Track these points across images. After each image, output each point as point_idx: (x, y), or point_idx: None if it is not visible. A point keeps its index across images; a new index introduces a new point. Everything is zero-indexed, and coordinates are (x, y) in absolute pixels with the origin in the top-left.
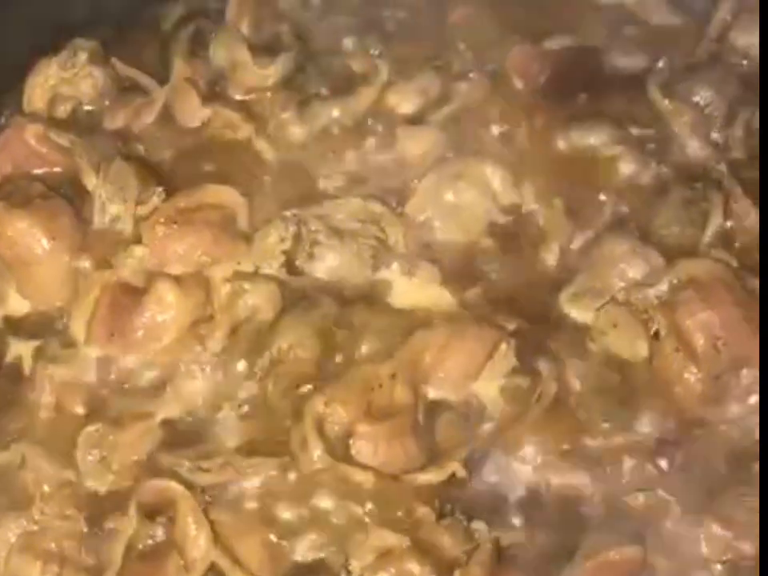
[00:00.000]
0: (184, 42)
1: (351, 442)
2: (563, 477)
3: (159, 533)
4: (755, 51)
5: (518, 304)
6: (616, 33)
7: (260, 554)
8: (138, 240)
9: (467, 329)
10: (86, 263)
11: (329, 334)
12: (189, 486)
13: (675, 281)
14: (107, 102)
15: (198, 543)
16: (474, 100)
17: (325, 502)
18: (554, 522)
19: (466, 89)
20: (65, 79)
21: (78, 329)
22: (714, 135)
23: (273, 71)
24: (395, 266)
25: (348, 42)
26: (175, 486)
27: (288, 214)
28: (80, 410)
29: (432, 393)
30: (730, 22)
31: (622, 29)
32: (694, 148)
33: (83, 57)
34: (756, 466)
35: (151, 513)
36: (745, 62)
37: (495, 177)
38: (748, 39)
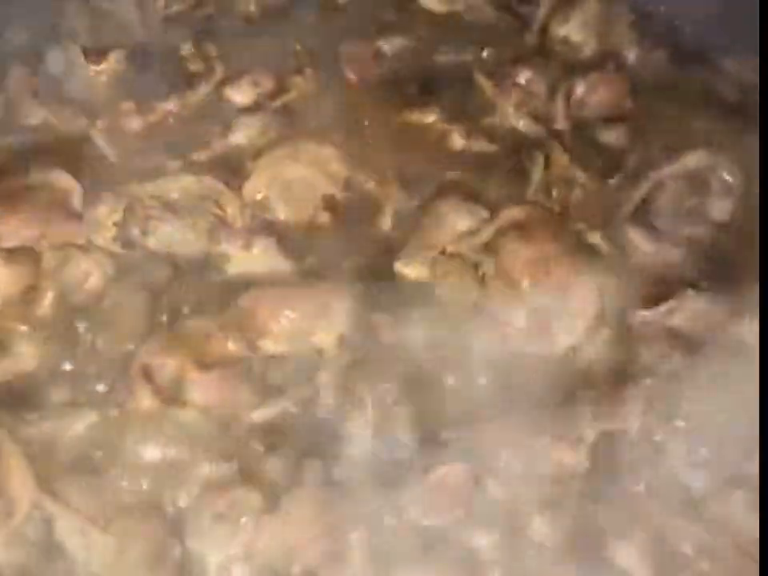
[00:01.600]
0: (21, 51)
1: (182, 387)
2: (392, 414)
3: None
4: (573, 38)
5: (357, 268)
6: (447, 34)
7: (86, 496)
8: None
9: (300, 289)
10: None
11: (159, 293)
12: (13, 437)
13: (499, 227)
14: None
15: (18, 485)
16: (308, 91)
17: (152, 443)
18: (387, 455)
19: (300, 81)
20: None
21: None
22: (537, 110)
23: (105, 67)
24: (233, 240)
25: (186, 48)
26: None
27: (121, 189)
28: None
29: (268, 347)
30: (548, 16)
31: (453, 31)
32: (520, 122)
33: None
34: (589, 393)
35: None
36: (564, 48)
37: (330, 156)
38: (565, 29)
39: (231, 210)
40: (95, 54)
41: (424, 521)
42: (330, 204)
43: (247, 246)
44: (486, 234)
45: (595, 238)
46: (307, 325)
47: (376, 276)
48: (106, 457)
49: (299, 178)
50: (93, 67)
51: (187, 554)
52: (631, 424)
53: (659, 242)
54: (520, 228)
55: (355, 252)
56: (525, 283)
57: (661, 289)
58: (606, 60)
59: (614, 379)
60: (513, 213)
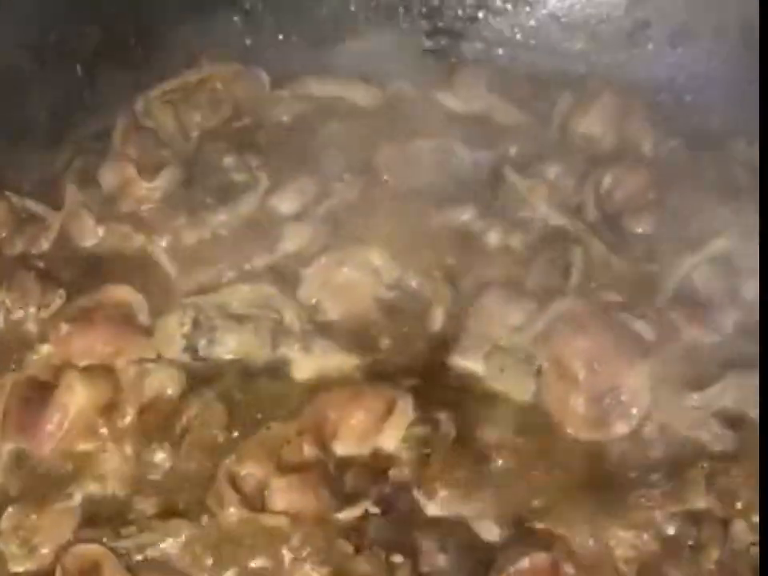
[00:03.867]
0: (74, 171)
1: (266, 494)
2: (470, 505)
3: None
4: (592, 132)
5: (413, 365)
6: (470, 134)
7: None
8: (43, 340)
9: (365, 389)
10: None
11: (234, 401)
12: (112, 551)
13: (549, 319)
14: (4, 234)
15: None
16: (349, 197)
17: (246, 550)
18: (469, 546)
19: (341, 188)
20: None
21: None
22: (568, 203)
23: (159, 183)
24: (292, 343)
25: (228, 160)
26: (97, 548)
27: (186, 301)
28: None
29: (339, 449)
30: (568, 112)
31: (476, 130)
32: (553, 215)
33: None
34: (651, 476)
35: None
36: (585, 142)
37: (377, 258)
38: (584, 124)
39: (288, 315)
40: (147, 170)
41: None
42: (381, 305)
43: (306, 349)
44: (538, 326)
45: (640, 325)
46: (374, 424)
47: (434, 371)
48: (202, 567)
49: (349, 282)
50: (146, 184)
51: None
52: (694, 505)
53: (700, 325)
54: (569, 318)
55: (410, 349)
56: (579, 372)
57: (707, 371)
58: (625, 151)
59: (672, 463)
60: (560, 306)
